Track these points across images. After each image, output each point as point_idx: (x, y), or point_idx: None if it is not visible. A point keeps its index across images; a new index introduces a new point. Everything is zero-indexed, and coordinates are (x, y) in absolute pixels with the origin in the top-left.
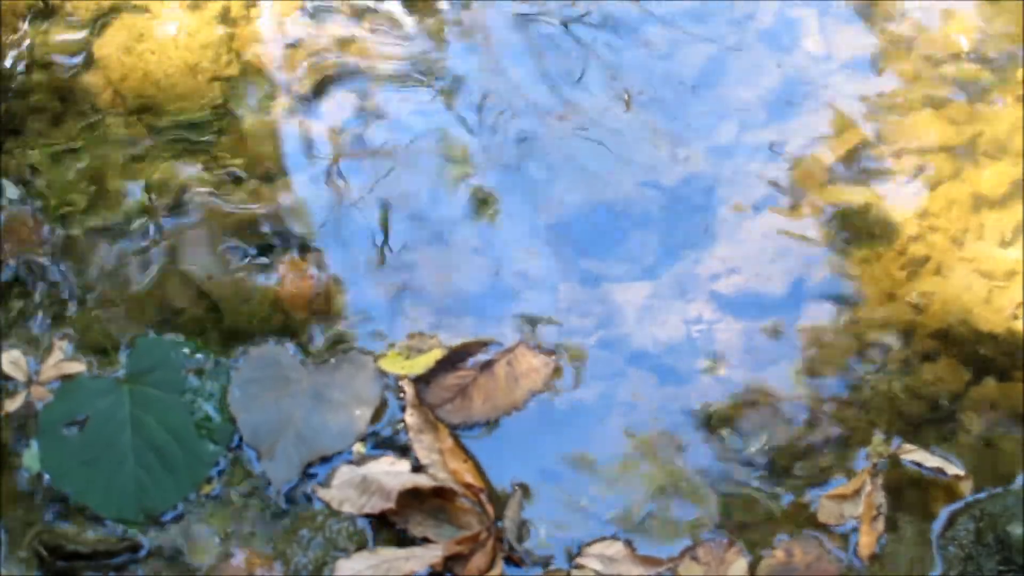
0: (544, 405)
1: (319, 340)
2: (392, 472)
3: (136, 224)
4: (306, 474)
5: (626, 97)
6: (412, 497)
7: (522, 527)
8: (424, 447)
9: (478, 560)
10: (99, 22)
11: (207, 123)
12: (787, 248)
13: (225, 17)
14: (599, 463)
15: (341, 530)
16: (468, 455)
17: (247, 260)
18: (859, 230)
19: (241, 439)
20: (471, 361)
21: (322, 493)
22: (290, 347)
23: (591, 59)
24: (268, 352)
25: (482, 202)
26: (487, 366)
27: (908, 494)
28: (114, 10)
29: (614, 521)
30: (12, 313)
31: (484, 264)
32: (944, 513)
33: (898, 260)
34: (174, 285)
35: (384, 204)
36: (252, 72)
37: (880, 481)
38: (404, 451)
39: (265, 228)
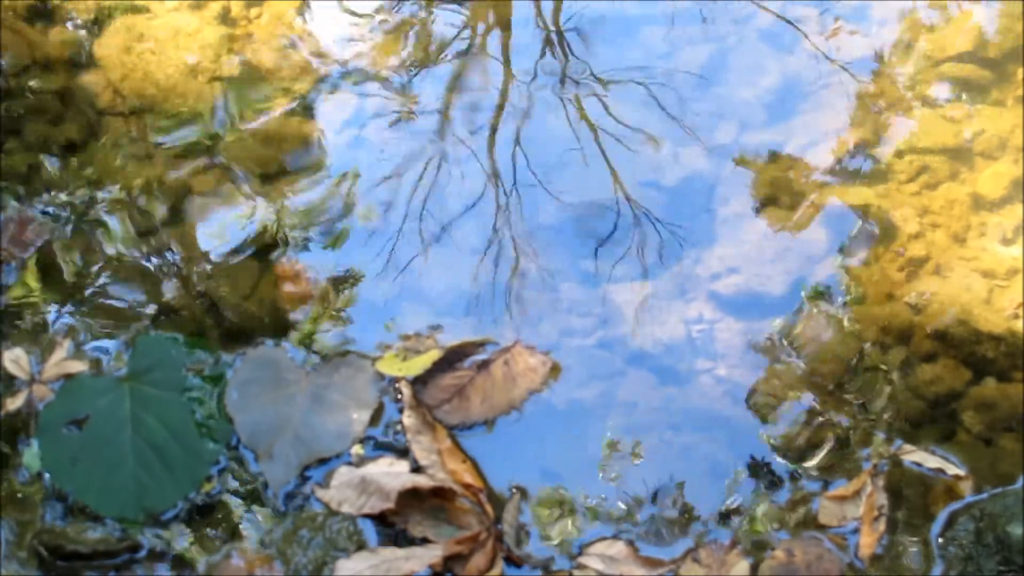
0: (543, 405)
1: (317, 342)
2: (391, 473)
3: (137, 224)
4: (304, 476)
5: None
6: (411, 497)
7: (521, 530)
8: (422, 448)
9: (478, 560)
10: (99, 22)
11: (207, 123)
12: (787, 248)
13: (225, 17)
14: (599, 463)
15: (341, 530)
16: (466, 455)
17: (246, 261)
18: (859, 230)
19: (239, 440)
20: (468, 361)
21: (321, 494)
22: (288, 348)
23: (591, 59)
24: (266, 353)
25: (481, 202)
26: (484, 366)
27: (909, 494)
28: (114, 10)
29: (615, 521)
30: (14, 312)
31: (483, 264)
32: (944, 513)
33: (898, 260)
34: (174, 285)
35: (383, 204)
36: (252, 72)
37: (881, 482)
38: (403, 452)
39: (265, 229)
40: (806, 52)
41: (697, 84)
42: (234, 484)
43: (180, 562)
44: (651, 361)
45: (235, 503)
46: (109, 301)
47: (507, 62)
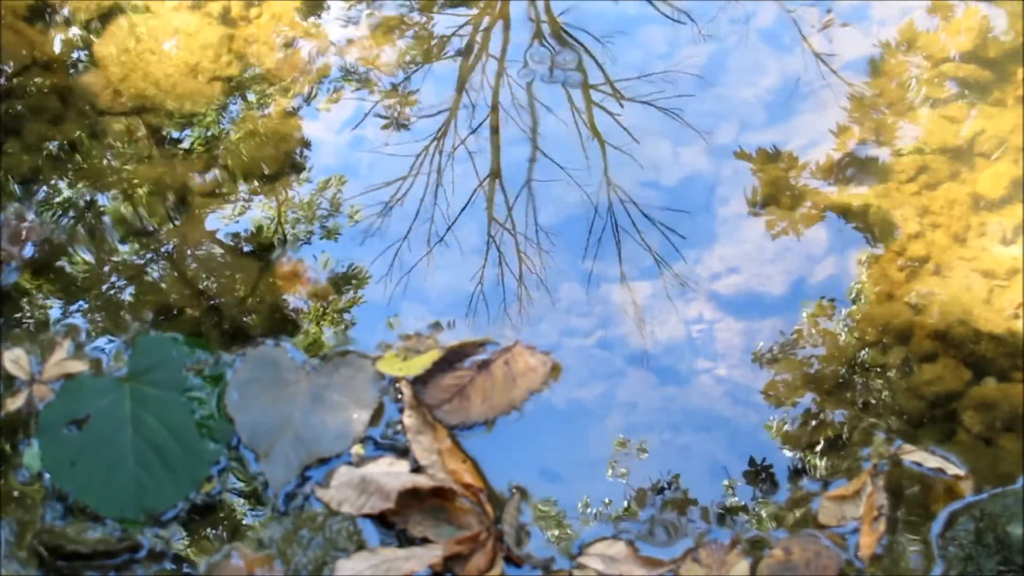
0: (543, 405)
1: (317, 341)
2: (391, 473)
3: (137, 224)
4: (304, 476)
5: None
6: (411, 497)
7: (521, 530)
8: (423, 448)
9: (478, 560)
10: (99, 22)
11: (207, 123)
12: (787, 248)
13: (225, 17)
14: (599, 463)
15: (341, 530)
16: (466, 455)
17: (246, 261)
18: (859, 230)
19: (239, 440)
20: (468, 361)
21: (321, 494)
22: (288, 348)
23: (591, 59)
24: (266, 353)
25: (481, 202)
26: (485, 366)
27: (908, 494)
28: (114, 10)
29: (615, 521)
30: (14, 312)
31: (483, 264)
32: (944, 513)
33: (897, 260)
34: (174, 285)
35: (383, 204)
36: (252, 72)
37: (881, 482)
38: (403, 452)
39: (265, 229)
40: (806, 52)
41: (697, 84)
42: (234, 484)
43: (180, 562)
44: (651, 361)
45: (235, 503)
46: (109, 301)
47: (506, 62)
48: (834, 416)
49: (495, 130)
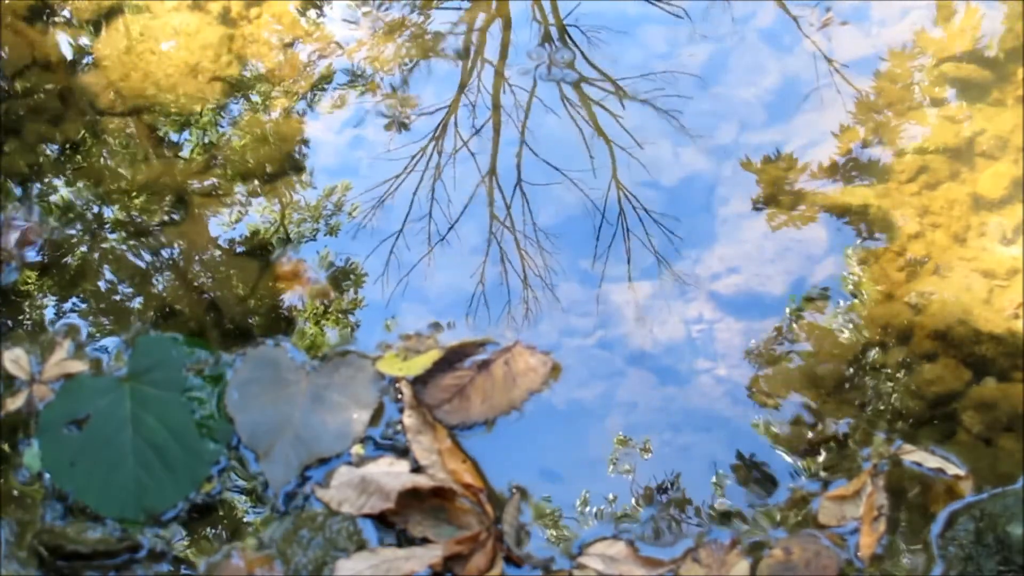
0: (543, 405)
1: (317, 341)
2: (391, 473)
3: (137, 224)
4: (304, 476)
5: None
6: (411, 497)
7: (521, 530)
8: (423, 448)
9: (478, 560)
10: (99, 22)
11: (207, 123)
12: (787, 248)
13: (225, 17)
14: (599, 463)
15: (341, 530)
16: (466, 455)
17: (246, 261)
18: (859, 230)
19: (239, 440)
20: (468, 361)
21: (321, 494)
22: (288, 348)
23: (591, 59)
24: (266, 353)
25: (481, 202)
26: (485, 366)
27: (908, 494)
28: (114, 10)
29: (615, 521)
30: (14, 312)
31: (483, 264)
32: (944, 513)
33: (897, 260)
34: (174, 285)
35: (383, 204)
36: (252, 72)
37: (881, 482)
38: (403, 452)
39: (265, 228)
40: (806, 52)
41: (697, 84)
42: (234, 484)
43: (180, 562)
44: (651, 361)
45: (235, 503)
46: (109, 301)
47: (505, 61)
48: (834, 416)
49: (495, 129)
